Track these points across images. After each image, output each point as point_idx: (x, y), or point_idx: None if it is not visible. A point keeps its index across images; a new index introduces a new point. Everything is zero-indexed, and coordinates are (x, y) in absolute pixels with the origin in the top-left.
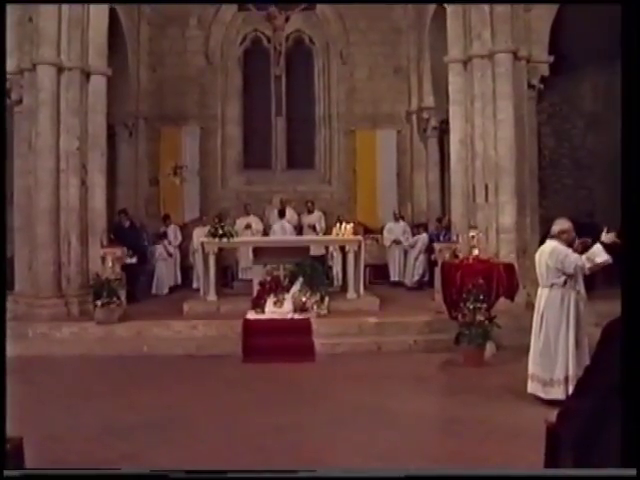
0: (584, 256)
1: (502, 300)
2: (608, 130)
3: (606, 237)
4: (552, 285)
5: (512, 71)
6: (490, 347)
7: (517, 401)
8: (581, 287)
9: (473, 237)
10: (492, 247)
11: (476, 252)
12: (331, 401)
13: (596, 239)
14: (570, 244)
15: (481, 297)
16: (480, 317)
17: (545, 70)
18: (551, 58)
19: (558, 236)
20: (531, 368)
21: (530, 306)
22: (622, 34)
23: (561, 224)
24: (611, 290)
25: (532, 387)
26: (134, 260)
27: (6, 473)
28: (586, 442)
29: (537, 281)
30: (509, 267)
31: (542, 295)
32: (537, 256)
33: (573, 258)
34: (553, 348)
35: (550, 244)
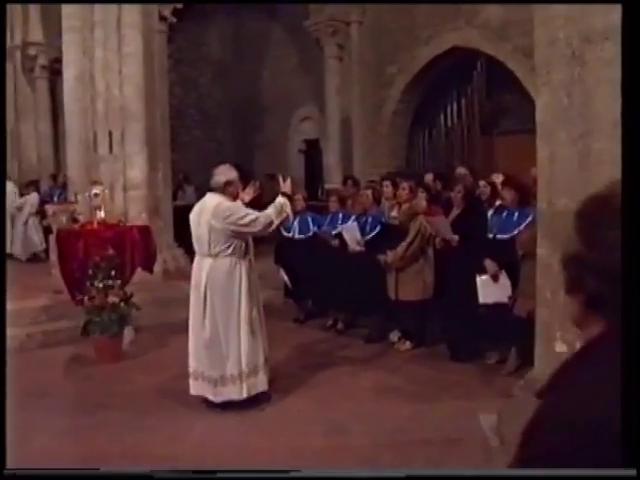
0: (271, 207)
1: (138, 272)
2: (235, 79)
3: (285, 187)
4: (218, 254)
5: None
6: (128, 333)
7: (180, 408)
8: (252, 254)
9: (97, 195)
10: (119, 207)
11: (102, 214)
12: None
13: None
14: (235, 198)
15: (113, 272)
16: (114, 298)
17: None
18: None
19: (223, 189)
20: (193, 364)
21: (167, 275)
22: (622, 34)
23: (227, 173)
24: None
25: (197, 387)
26: None
27: (6, 473)
28: None
29: (171, 244)
30: (145, 231)
31: (202, 267)
32: (193, 215)
33: (257, 214)
34: (223, 337)
35: (213, 199)
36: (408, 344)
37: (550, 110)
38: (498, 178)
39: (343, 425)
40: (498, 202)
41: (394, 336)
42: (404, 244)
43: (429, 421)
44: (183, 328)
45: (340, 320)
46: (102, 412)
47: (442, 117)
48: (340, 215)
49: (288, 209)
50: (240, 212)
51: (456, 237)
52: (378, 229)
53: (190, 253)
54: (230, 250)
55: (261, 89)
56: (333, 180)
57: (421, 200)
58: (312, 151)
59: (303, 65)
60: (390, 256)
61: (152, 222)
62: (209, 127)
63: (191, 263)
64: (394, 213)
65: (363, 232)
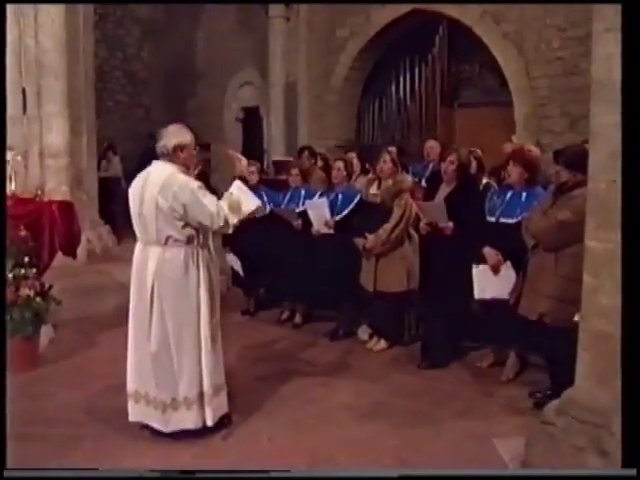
0: (225, 201)
1: (59, 257)
2: (165, 39)
3: (240, 167)
4: (168, 241)
5: None
6: (46, 332)
7: (117, 437)
8: (211, 241)
9: (6, 163)
10: (34, 178)
11: (12, 187)
12: None
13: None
14: (188, 168)
15: (26, 259)
16: (28, 291)
17: None
18: None
19: (173, 156)
20: (134, 382)
21: (92, 257)
22: (622, 34)
23: (178, 135)
24: None
25: (139, 413)
26: None
27: (6, 474)
28: None
29: (97, 221)
30: (66, 207)
31: (147, 259)
32: (133, 190)
33: (213, 206)
34: (175, 349)
35: (161, 170)
36: (383, 343)
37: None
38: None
39: (329, 458)
40: (485, 179)
41: (364, 333)
42: (388, 226)
43: (435, 452)
44: (112, 321)
45: (298, 312)
46: (18, 445)
47: (394, 86)
48: (302, 191)
49: (246, 206)
50: (198, 196)
51: (451, 224)
52: (351, 208)
53: (118, 231)
54: (185, 237)
55: (195, 51)
56: (276, 151)
57: (406, 175)
58: (251, 120)
59: (243, 25)
60: (371, 240)
61: (74, 196)
62: (135, 91)
63: (119, 243)
64: (373, 190)
65: (332, 211)
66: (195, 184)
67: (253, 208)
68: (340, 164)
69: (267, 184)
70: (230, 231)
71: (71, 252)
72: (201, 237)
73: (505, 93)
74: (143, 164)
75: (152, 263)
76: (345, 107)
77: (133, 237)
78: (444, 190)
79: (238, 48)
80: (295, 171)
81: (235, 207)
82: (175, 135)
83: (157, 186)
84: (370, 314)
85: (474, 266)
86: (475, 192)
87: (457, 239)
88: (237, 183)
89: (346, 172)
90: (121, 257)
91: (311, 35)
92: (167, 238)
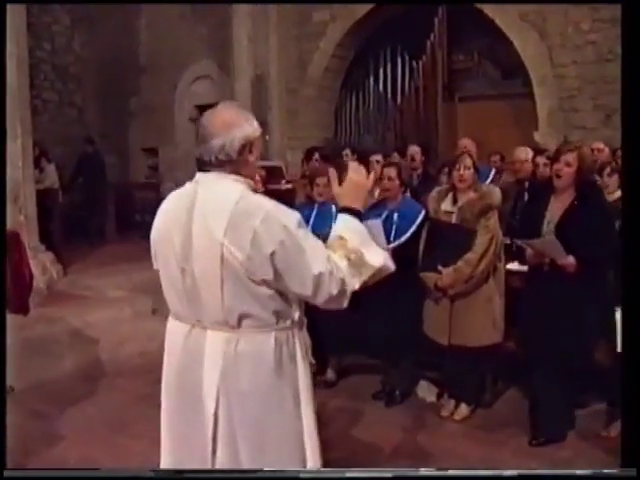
0: (339, 251)
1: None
2: (102, 28)
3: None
4: (242, 322)
5: None
6: None
7: None
8: (303, 316)
9: None
10: None
11: None
12: None
13: None
14: (255, 181)
15: None
16: None
17: None
18: None
19: (239, 160)
20: None
21: (37, 297)
22: (622, 34)
23: (243, 123)
24: None
25: None
26: None
27: (6, 473)
28: None
29: (38, 248)
30: (11, 240)
31: (202, 351)
32: (164, 230)
33: (322, 261)
34: None
35: (222, 189)
36: (464, 409)
37: None
38: (528, 154)
39: None
40: None
41: (428, 393)
42: (472, 257)
43: None
44: (75, 391)
45: (330, 366)
46: None
47: (372, 78)
48: (332, 208)
49: (375, 255)
50: (297, 238)
51: (573, 260)
52: (413, 230)
53: (59, 256)
54: (271, 313)
55: (138, 41)
56: None
57: (494, 187)
58: None
59: (197, 9)
60: (448, 275)
61: (10, 217)
62: (66, 89)
63: (65, 273)
64: (446, 205)
65: (387, 235)
66: (291, 216)
67: (380, 263)
68: (392, 171)
69: (273, 196)
70: (344, 306)
71: (22, 308)
72: (298, 310)
73: (515, 84)
74: (78, 173)
75: (214, 361)
76: (324, 102)
77: (79, 264)
78: (556, 206)
79: (191, 36)
80: (322, 180)
81: (357, 263)
82: (237, 125)
83: (220, 222)
84: (440, 371)
85: (617, 309)
86: (606, 208)
87: (579, 272)
88: (347, 218)
89: (399, 181)
90: (71, 294)
91: (283, 19)
92: (242, 318)
